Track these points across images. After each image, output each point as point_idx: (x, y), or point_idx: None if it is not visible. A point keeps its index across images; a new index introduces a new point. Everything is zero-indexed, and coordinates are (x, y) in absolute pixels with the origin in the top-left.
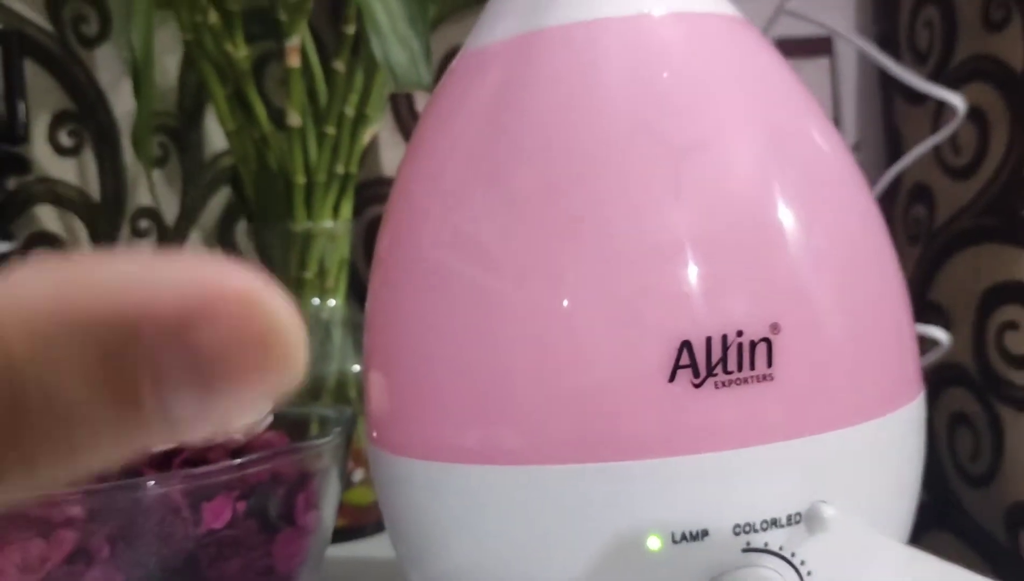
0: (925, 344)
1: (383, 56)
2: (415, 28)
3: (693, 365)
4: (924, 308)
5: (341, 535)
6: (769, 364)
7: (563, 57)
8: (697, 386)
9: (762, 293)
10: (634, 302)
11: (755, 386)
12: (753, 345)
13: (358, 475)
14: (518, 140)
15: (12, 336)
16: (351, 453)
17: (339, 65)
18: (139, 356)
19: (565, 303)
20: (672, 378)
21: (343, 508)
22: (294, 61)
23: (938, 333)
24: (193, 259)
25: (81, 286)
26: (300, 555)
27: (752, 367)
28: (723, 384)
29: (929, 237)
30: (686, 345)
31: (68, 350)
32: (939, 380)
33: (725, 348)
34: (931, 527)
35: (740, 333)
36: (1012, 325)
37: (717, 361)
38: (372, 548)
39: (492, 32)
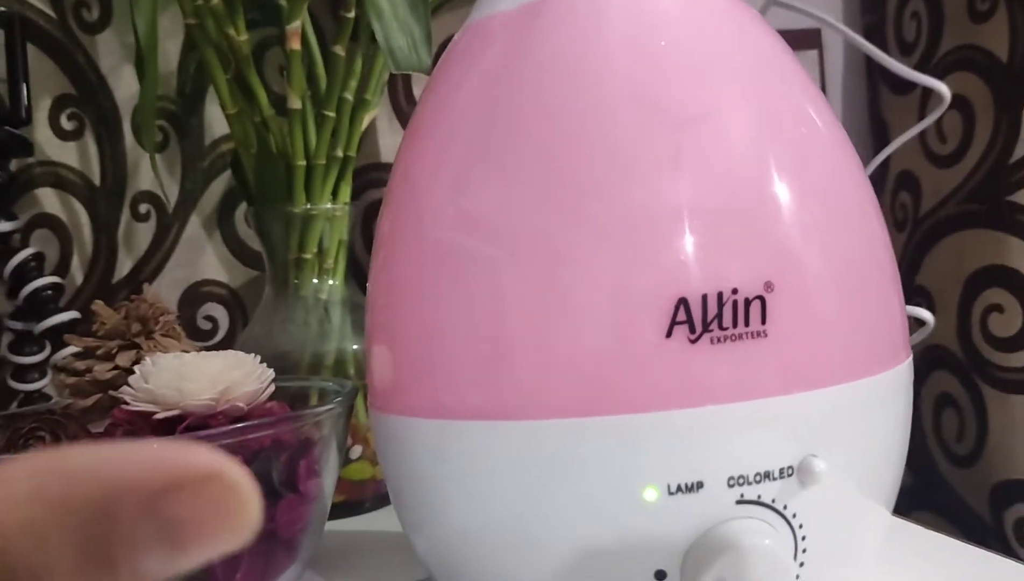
0: (911, 325)
1: (384, 40)
2: (416, 13)
3: (689, 321)
4: (911, 292)
5: (339, 510)
6: (763, 321)
7: (565, 28)
8: (693, 342)
9: (756, 253)
10: (632, 262)
11: (749, 342)
12: (748, 302)
13: (356, 451)
14: (520, 111)
15: (5, 524)
16: (350, 428)
17: (339, 50)
18: (116, 527)
19: (566, 265)
20: (669, 334)
21: (341, 483)
22: (295, 44)
23: (923, 313)
24: (163, 443)
25: (66, 474)
26: (302, 521)
27: (747, 323)
28: (718, 340)
29: (915, 223)
30: (683, 302)
31: (55, 532)
32: (925, 363)
33: (720, 305)
34: (918, 507)
35: (735, 291)
36: (997, 308)
37: (713, 317)
38: (370, 523)
39: (496, 2)
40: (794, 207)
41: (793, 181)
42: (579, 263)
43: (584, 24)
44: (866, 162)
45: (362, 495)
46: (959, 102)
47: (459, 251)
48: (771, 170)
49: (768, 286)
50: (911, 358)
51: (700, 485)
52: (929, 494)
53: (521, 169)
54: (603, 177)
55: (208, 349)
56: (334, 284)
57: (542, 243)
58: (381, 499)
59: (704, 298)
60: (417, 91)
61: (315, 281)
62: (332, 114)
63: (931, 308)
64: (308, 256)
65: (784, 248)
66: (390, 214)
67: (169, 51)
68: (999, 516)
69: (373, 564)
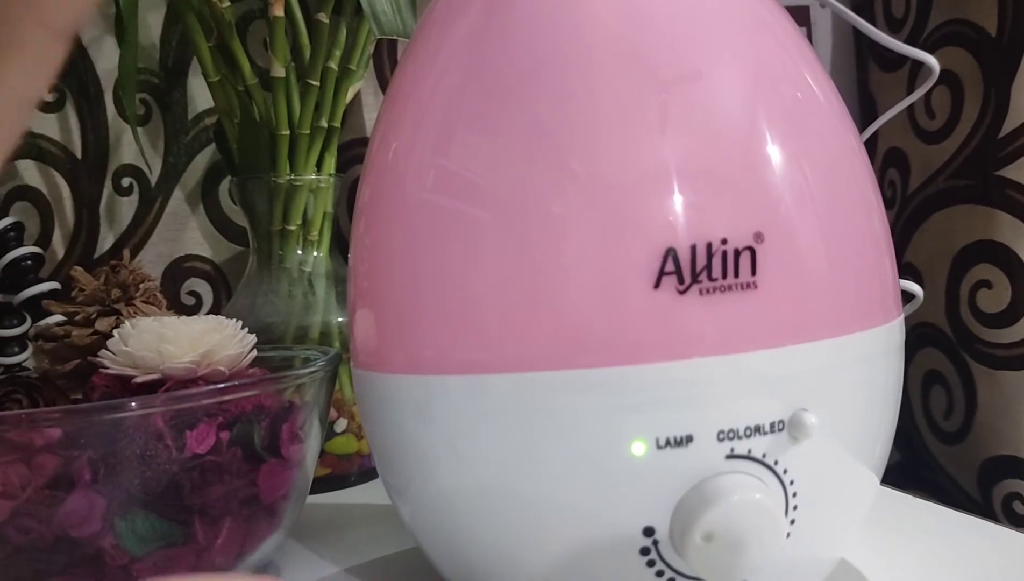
0: (901, 298)
1: (368, 5)
2: None
3: (678, 272)
4: (899, 270)
5: (324, 484)
6: (753, 272)
7: None
8: (682, 292)
9: (746, 205)
10: (621, 214)
11: (739, 294)
12: (737, 253)
13: (341, 424)
14: (504, 69)
15: None
16: (333, 400)
17: (322, 17)
18: None
19: (550, 218)
20: (657, 285)
21: (326, 457)
22: (278, 11)
23: (912, 286)
24: None
25: None
26: (285, 487)
27: (736, 274)
28: (707, 291)
29: (904, 200)
30: (671, 252)
31: None
32: (913, 340)
33: (710, 256)
34: (906, 484)
35: (724, 241)
36: (985, 283)
37: (702, 268)
38: (355, 496)
39: None
40: (785, 163)
41: (785, 139)
42: (564, 217)
43: None
44: None
45: (347, 469)
46: (948, 77)
47: (442, 211)
48: (762, 127)
49: (758, 237)
50: (902, 318)
51: (690, 439)
52: (917, 471)
53: (504, 127)
54: (588, 133)
55: None
56: (319, 256)
57: (524, 196)
58: (366, 474)
59: (693, 248)
60: None
61: (299, 253)
62: (316, 83)
63: (920, 286)
64: (292, 227)
65: (775, 200)
66: (371, 180)
67: (151, 24)
68: (987, 492)
69: (357, 535)
